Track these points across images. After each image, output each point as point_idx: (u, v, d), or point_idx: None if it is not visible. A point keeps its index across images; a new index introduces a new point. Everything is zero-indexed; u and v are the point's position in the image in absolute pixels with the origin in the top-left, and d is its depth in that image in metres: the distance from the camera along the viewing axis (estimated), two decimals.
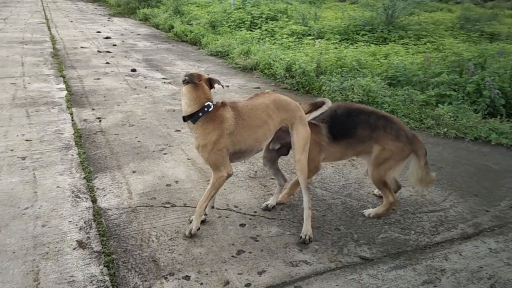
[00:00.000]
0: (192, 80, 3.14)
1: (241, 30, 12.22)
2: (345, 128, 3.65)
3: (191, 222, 3.46)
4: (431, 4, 17.29)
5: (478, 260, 3.17)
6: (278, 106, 3.33)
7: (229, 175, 3.19)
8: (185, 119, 3.19)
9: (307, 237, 3.31)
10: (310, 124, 3.54)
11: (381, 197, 3.94)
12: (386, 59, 8.37)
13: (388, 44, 10.09)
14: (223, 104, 3.20)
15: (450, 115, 5.86)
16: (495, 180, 4.50)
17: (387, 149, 3.58)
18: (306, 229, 3.35)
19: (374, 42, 10.44)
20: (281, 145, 3.57)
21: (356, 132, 3.63)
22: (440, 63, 7.30)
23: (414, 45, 10.00)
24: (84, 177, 4.16)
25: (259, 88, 8.03)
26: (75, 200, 3.75)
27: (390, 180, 3.71)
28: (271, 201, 3.78)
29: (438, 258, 3.19)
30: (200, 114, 3.11)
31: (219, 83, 3.26)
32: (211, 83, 3.26)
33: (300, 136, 3.34)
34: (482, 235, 3.51)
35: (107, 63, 9.47)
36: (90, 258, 3.01)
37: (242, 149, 3.24)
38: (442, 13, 15.94)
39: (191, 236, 3.28)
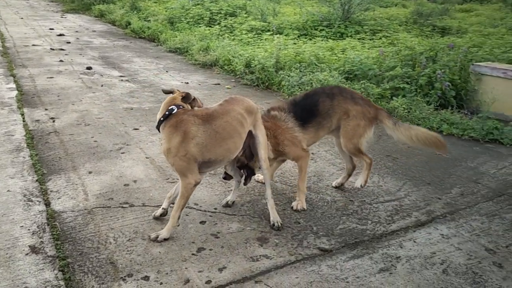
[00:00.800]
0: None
1: (200, 26, 12.11)
2: (308, 108, 3.78)
3: (153, 218, 3.46)
4: None
5: (431, 246, 3.30)
6: (249, 111, 3.36)
7: (196, 183, 3.11)
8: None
9: (278, 223, 3.45)
10: (273, 121, 3.71)
11: (337, 187, 4.16)
12: (343, 53, 8.52)
13: (345, 39, 10.28)
14: (191, 111, 3.19)
15: (404, 107, 6.05)
16: (446, 168, 4.70)
17: (351, 116, 3.78)
18: (274, 216, 3.48)
19: (331, 37, 10.61)
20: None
21: (319, 108, 3.78)
22: (394, 57, 7.51)
23: (370, 39, 10.24)
24: (36, 180, 4.01)
25: (219, 84, 7.99)
26: (27, 204, 3.61)
27: (364, 145, 3.93)
28: (230, 198, 3.78)
29: (394, 246, 3.29)
30: (162, 119, 3.11)
31: (187, 95, 3.28)
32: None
33: (263, 136, 3.47)
34: (435, 222, 3.65)
35: (61, 61, 9.16)
36: (44, 263, 2.91)
37: (212, 159, 3.17)
38: (397, 8, 16.38)
39: (156, 241, 3.21)
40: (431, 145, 3.89)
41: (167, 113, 3.09)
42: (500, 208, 3.91)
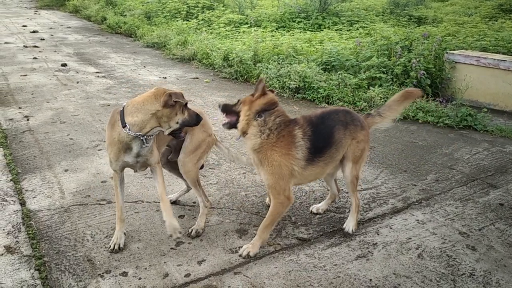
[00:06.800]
0: None
1: (177, 20, 12.00)
2: (325, 138, 3.10)
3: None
4: None
5: (406, 232, 3.36)
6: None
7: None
8: None
9: (194, 232, 3.26)
10: (280, 147, 2.98)
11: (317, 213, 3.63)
12: (321, 45, 8.56)
13: (322, 30, 10.32)
14: None
15: (380, 97, 6.13)
16: (421, 155, 4.78)
17: (359, 141, 3.21)
18: (197, 224, 3.31)
19: (309, 29, 10.64)
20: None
21: (335, 137, 3.10)
22: (371, 47, 7.57)
23: (348, 30, 10.31)
24: (11, 179, 3.94)
25: (197, 78, 7.95)
26: (1, 204, 3.54)
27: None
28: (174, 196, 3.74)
29: (370, 233, 3.35)
30: None
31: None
32: None
33: (194, 139, 3.22)
34: (411, 208, 3.72)
35: (35, 58, 8.98)
36: (20, 262, 2.87)
37: None
38: None
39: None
40: (408, 100, 3.50)
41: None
42: (474, 192, 4.00)
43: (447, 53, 6.90)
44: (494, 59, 6.42)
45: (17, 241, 3.09)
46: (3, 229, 3.21)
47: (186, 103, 2.95)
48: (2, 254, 2.93)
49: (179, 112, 2.88)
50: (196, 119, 3.00)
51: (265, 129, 2.98)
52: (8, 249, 2.99)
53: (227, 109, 3.16)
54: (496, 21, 10.62)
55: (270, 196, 3.09)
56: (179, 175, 3.63)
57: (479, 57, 6.55)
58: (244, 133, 3.06)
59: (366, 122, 3.35)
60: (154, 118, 2.81)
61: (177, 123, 2.89)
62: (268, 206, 3.51)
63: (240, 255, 3.03)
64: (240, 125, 3.07)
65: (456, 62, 6.75)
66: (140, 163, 2.98)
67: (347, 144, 3.19)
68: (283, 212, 3.07)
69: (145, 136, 2.83)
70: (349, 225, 3.35)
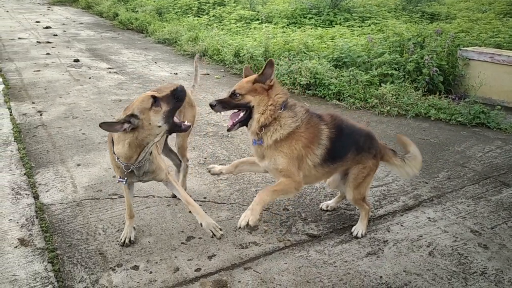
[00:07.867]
0: None
1: (188, 17, 12.02)
2: (343, 150, 3.06)
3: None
4: None
5: (417, 230, 3.34)
6: None
7: None
8: None
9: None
10: (301, 137, 2.91)
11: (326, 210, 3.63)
12: (332, 41, 8.50)
13: (334, 26, 10.26)
14: None
15: (392, 94, 6.08)
16: (433, 153, 4.74)
17: (366, 167, 3.16)
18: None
19: (320, 25, 10.57)
20: None
21: (347, 156, 3.09)
22: (382, 43, 7.51)
23: (359, 27, 10.22)
24: (24, 173, 3.99)
25: (208, 74, 7.96)
26: (15, 197, 3.60)
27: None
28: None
29: (381, 230, 3.33)
30: None
31: None
32: None
33: (188, 120, 3.17)
34: (422, 205, 3.70)
35: (48, 54, 9.06)
36: (33, 255, 2.91)
37: None
38: None
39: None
40: None
41: None
42: (486, 190, 3.96)
43: (460, 49, 6.81)
44: (509, 56, 6.33)
45: (30, 234, 3.13)
46: (17, 222, 3.26)
47: (155, 98, 2.50)
48: (16, 247, 2.98)
49: (153, 117, 2.49)
50: (177, 98, 2.56)
51: (297, 120, 2.88)
52: (22, 242, 3.03)
53: (226, 105, 2.81)
54: (511, 17, 10.46)
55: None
56: (168, 155, 3.78)
57: (493, 54, 6.46)
58: (263, 127, 2.83)
59: (383, 153, 3.27)
60: (133, 145, 2.56)
61: (160, 126, 2.54)
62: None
63: (239, 228, 2.66)
64: (261, 118, 2.80)
65: (469, 59, 6.67)
66: (148, 180, 2.97)
67: (349, 166, 3.14)
68: (291, 190, 2.89)
69: (137, 165, 2.70)
70: (358, 229, 3.27)
